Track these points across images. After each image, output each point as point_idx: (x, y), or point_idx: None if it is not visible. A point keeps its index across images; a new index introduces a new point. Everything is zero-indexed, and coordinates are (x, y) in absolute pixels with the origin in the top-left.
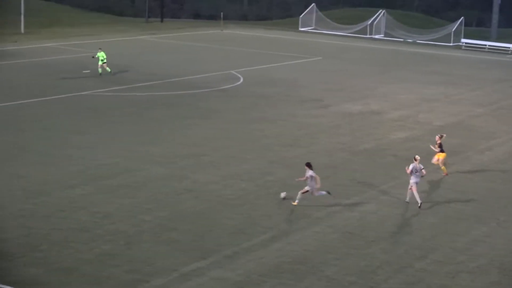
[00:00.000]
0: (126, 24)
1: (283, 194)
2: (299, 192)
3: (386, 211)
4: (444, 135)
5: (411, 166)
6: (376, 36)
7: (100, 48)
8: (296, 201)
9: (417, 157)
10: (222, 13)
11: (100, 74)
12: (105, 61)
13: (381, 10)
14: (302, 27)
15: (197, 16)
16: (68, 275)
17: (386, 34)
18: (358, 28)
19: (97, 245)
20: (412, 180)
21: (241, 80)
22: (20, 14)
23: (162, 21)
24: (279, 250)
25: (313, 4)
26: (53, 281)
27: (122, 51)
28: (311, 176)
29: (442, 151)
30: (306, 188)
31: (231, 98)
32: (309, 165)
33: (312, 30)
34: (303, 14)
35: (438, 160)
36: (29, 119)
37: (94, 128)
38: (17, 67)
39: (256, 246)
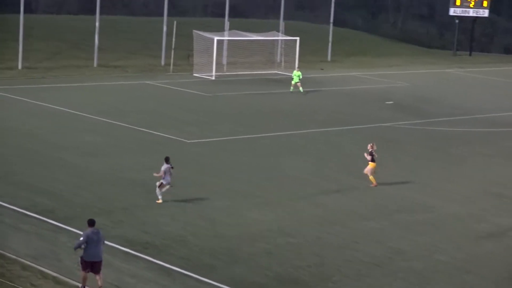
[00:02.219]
0: (433, 56)
1: (159, 183)
2: (157, 189)
3: None
4: (374, 145)
5: None
6: None
7: (298, 68)
8: (159, 197)
9: None
10: None
11: (291, 91)
12: (298, 80)
13: None
14: None
15: (508, 50)
16: None
17: None
18: None
19: (389, 282)
20: None
21: None
22: (328, 42)
23: (470, 54)
24: None
25: None
26: None
27: (427, 84)
28: (166, 171)
29: (372, 160)
30: (162, 181)
31: None
32: (166, 159)
33: None
34: None
35: (367, 170)
36: (329, 147)
37: (392, 160)
38: (322, 95)
39: None
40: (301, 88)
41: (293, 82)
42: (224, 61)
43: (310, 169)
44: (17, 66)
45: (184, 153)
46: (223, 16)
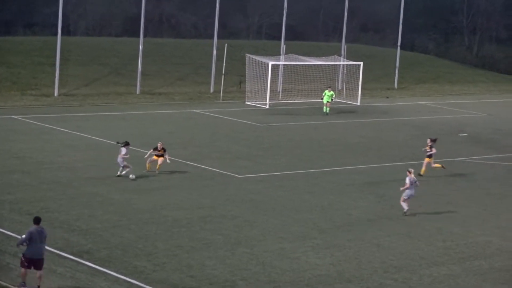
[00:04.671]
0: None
1: (132, 176)
2: None
3: None
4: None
5: (407, 180)
6: None
7: (329, 87)
8: None
9: (411, 169)
10: None
11: (327, 113)
12: (329, 100)
13: None
14: None
15: None
16: None
17: None
18: None
19: None
20: (409, 192)
21: None
22: (395, 67)
23: None
24: None
25: None
26: None
27: (506, 114)
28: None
29: (160, 155)
30: None
31: None
32: None
33: None
34: None
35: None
36: (396, 184)
37: (467, 200)
38: (387, 126)
39: None
40: (328, 109)
41: (324, 102)
42: (279, 88)
43: (374, 209)
44: (53, 93)
45: (235, 189)
46: (279, 38)
